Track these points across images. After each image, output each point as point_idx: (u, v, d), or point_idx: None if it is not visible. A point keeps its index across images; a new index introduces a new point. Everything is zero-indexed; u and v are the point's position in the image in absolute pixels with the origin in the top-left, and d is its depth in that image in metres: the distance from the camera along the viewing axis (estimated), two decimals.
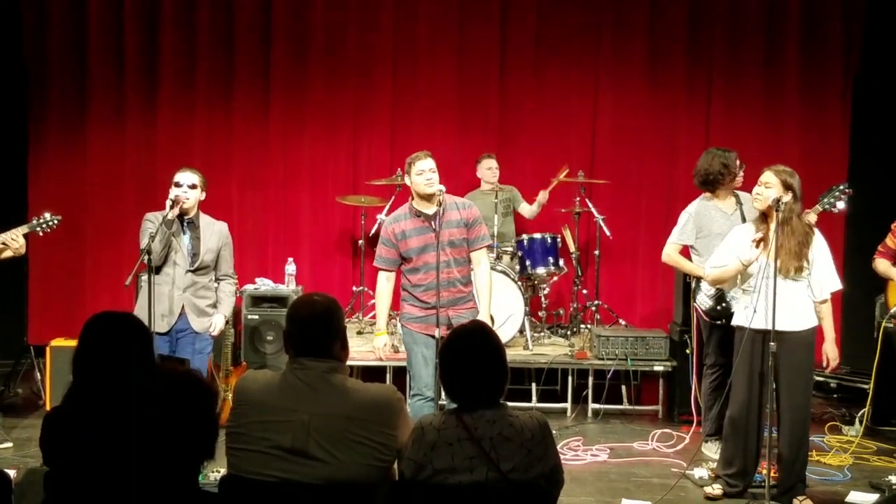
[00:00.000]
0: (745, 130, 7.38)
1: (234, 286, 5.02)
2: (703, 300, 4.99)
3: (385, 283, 4.62)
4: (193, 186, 4.71)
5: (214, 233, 4.82)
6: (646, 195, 7.60)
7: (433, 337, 4.46)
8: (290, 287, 6.53)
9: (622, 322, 7.09)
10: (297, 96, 7.60)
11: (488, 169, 7.11)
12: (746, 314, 4.34)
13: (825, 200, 5.20)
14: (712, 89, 7.51)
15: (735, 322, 4.45)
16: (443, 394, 3.94)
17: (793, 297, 4.26)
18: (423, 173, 4.50)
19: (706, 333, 5.00)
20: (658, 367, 6.06)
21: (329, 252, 7.72)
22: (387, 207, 6.93)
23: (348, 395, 2.57)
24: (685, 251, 5.11)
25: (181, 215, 4.70)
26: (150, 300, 4.45)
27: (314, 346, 2.61)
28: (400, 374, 5.56)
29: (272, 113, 7.60)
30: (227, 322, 4.95)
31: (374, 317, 7.13)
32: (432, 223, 4.47)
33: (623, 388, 6.31)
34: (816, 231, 4.35)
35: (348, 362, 2.73)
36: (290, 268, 6.64)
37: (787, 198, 4.24)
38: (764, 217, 4.34)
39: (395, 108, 7.65)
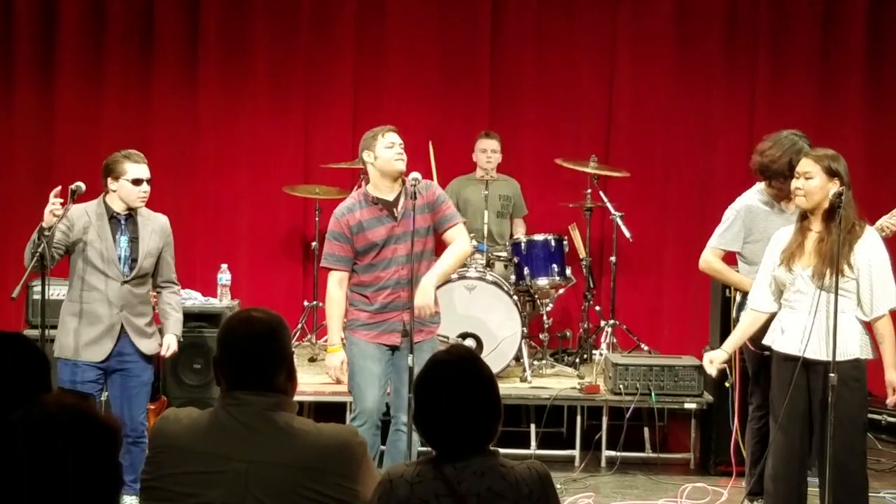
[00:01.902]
0: (798, 108, 7.44)
1: (180, 294, 5.15)
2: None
3: (337, 288, 4.76)
4: (150, 181, 4.81)
5: (155, 231, 4.90)
6: (674, 187, 7.64)
7: (387, 347, 4.65)
8: (222, 301, 6.50)
9: (645, 347, 7.10)
10: (232, 61, 7.61)
11: (482, 152, 7.12)
12: (775, 334, 4.40)
13: None
14: (758, 56, 7.57)
15: (766, 341, 4.49)
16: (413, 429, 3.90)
17: (825, 315, 4.24)
18: (394, 146, 4.70)
19: (752, 366, 5.01)
20: (690, 405, 6.07)
21: (273, 257, 7.71)
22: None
23: (296, 439, 2.56)
24: (730, 258, 5.12)
25: (115, 214, 4.77)
26: (41, 316, 4.49)
27: (253, 377, 2.59)
28: None
29: (201, 82, 7.60)
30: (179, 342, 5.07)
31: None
32: (394, 210, 4.67)
33: (646, 430, 6.31)
34: (868, 228, 4.35)
35: (297, 397, 2.72)
36: (224, 276, 6.61)
37: (836, 188, 4.27)
38: (804, 216, 4.37)
39: (357, 74, 7.66)
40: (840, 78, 7.53)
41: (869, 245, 4.29)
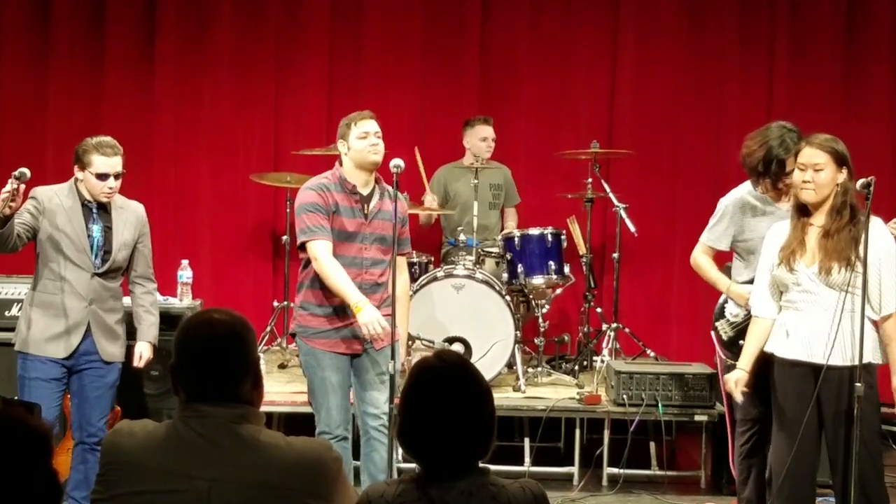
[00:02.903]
0: (821, 92, 7.48)
1: (156, 293, 5.15)
2: (725, 327, 5.01)
3: (329, 255, 4.65)
4: (120, 176, 4.80)
5: (130, 220, 4.91)
6: (683, 178, 7.66)
7: (345, 355, 4.69)
8: (183, 301, 6.47)
9: (651, 353, 7.12)
10: (194, 36, 7.60)
11: (482, 140, 7.11)
12: (778, 338, 4.39)
13: None
14: (776, 35, 7.59)
15: (768, 348, 4.47)
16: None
17: (835, 315, 4.24)
18: (368, 136, 4.70)
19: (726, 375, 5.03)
20: (700, 417, 6.08)
21: (239, 252, 7.71)
22: None
23: (264, 454, 2.55)
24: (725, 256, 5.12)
25: (86, 201, 4.78)
26: None
27: (214, 386, 2.58)
28: None
29: (159, 59, 7.58)
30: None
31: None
32: (366, 206, 4.72)
33: (652, 445, 6.34)
34: (874, 219, 4.31)
35: (264, 407, 2.72)
36: (184, 274, 6.58)
37: (843, 177, 4.27)
38: (803, 211, 4.35)
39: (333, 51, 7.66)
40: (866, 59, 7.56)
41: (877, 237, 4.26)
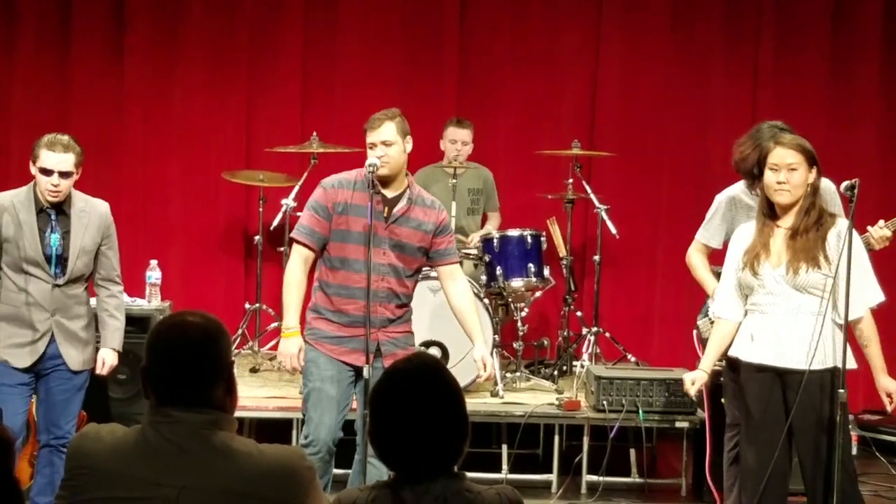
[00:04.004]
0: (807, 90, 7.53)
1: (122, 296, 5.07)
2: (706, 326, 5.03)
3: (299, 265, 4.66)
4: (67, 174, 4.69)
5: (92, 223, 4.83)
6: (667, 179, 7.69)
7: (351, 367, 4.57)
8: (152, 303, 6.46)
9: (632, 358, 7.15)
10: (164, 29, 7.57)
11: (451, 142, 7.12)
12: (743, 342, 4.41)
13: None
14: (762, 32, 7.64)
15: (732, 352, 4.49)
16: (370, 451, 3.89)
17: (805, 320, 4.28)
18: (375, 147, 4.59)
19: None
20: (682, 424, 6.10)
21: (210, 253, 7.70)
22: (296, 188, 6.90)
23: (235, 462, 2.55)
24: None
25: (45, 206, 4.71)
26: None
27: (186, 391, 2.58)
28: None
29: (128, 52, 7.55)
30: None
31: (274, 346, 7.15)
32: (387, 210, 4.61)
33: (632, 452, 6.35)
34: (843, 221, 4.33)
35: (237, 413, 2.71)
36: (153, 274, 6.56)
37: (813, 176, 4.30)
38: (770, 211, 4.36)
39: (307, 45, 7.65)
40: (853, 59, 7.61)
41: (842, 236, 4.26)
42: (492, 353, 6.30)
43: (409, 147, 4.69)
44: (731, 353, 4.49)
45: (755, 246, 4.35)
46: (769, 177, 4.32)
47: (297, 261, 4.66)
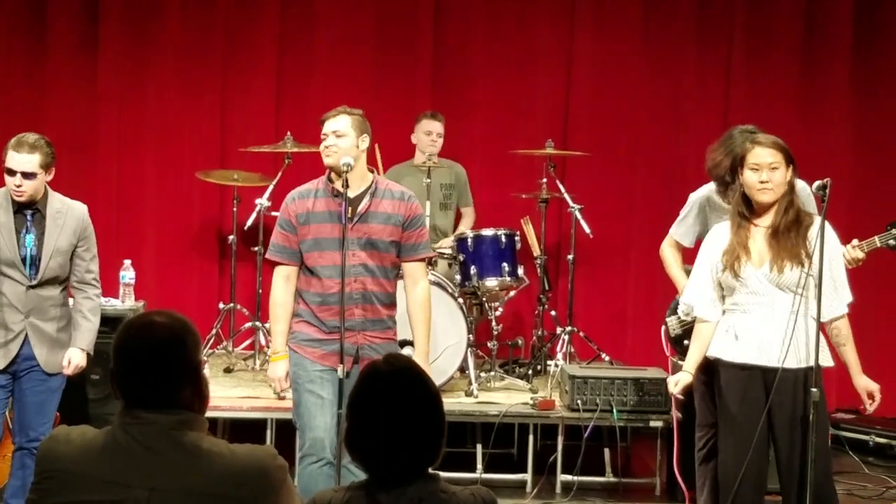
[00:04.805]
0: (779, 89, 7.56)
1: (98, 299, 5.04)
2: (674, 324, 5.04)
3: (283, 286, 4.68)
4: (31, 175, 4.65)
5: (68, 225, 4.82)
6: (640, 178, 7.71)
7: (333, 370, 4.52)
8: (125, 303, 6.44)
9: (606, 357, 7.16)
10: (137, 26, 7.54)
11: (426, 134, 7.12)
12: (725, 342, 4.41)
13: (889, 237, 5.00)
14: (734, 31, 7.66)
15: (712, 352, 4.49)
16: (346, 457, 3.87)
17: (785, 317, 4.28)
18: (327, 138, 4.60)
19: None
20: (656, 423, 6.12)
21: (184, 252, 7.67)
22: (270, 188, 6.89)
23: (205, 462, 2.54)
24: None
25: (22, 206, 4.70)
26: None
27: (154, 392, 2.56)
28: (288, 431, 5.51)
29: (102, 48, 7.53)
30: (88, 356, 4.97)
31: (248, 346, 7.14)
32: (351, 209, 4.56)
33: (606, 452, 6.36)
34: (818, 218, 4.34)
35: (210, 413, 2.70)
36: (126, 274, 6.54)
37: (790, 174, 4.32)
38: (748, 211, 4.37)
39: (283, 44, 7.64)
40: (825, 56, 7.64)
41: (825, 238, 4.27)
42: (466, 353, 6.33)
43: (365, 146, 4.66)
44: (710, 352, 4.48)
45: (734, 248, 4.35)
46: (750, 177, 4.33)
47: (279, 282, 4.70)
